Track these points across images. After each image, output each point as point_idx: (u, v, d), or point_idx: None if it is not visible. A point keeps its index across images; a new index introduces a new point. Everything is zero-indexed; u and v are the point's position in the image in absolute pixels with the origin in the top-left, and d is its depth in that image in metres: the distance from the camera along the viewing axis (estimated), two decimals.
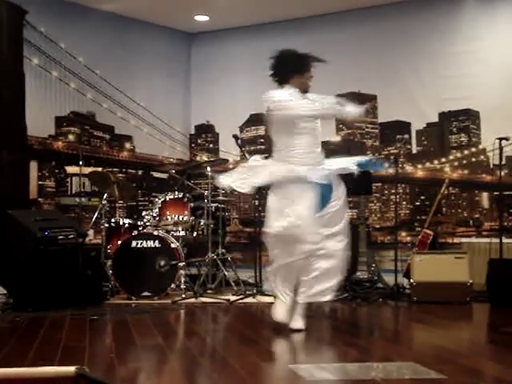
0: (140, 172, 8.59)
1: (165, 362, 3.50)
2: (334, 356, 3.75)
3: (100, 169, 7.57)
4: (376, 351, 3.82)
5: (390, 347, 3.92)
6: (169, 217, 6.13)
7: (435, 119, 7.67)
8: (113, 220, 6.35)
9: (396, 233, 6.65)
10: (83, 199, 7.47)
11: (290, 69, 4.32)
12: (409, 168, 7.74)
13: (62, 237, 5.31)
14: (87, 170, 7.02)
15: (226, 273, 6.24)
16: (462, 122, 7.54)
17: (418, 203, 7.74)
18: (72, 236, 5.41)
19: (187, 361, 3.52)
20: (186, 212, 6.14)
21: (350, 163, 4.35)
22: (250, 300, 5.69)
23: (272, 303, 5.55)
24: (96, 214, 6.23)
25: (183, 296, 5.66)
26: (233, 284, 6.13)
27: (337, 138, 8.02)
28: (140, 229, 6.17)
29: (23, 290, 5.10)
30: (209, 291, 6.01)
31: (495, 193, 7.03)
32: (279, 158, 4.29)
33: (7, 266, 5.25)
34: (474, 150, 7.44)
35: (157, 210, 6.15)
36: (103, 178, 6.49)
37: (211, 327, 4.89)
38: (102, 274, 5.77)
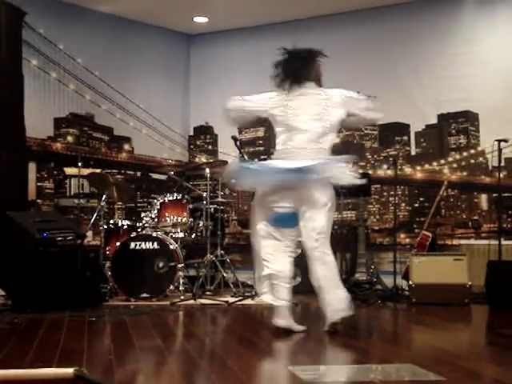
0: (139, 173, 8.58)
1: (163, 363, 3.49)
2: (333, 358, 3.75)
3: (99, 170, 7.56)
4: (375, 353, 3.82)
5: (388, 349, 3.92)
6: (167, 218, 6.12)
7: (434, 121, 7.67)
8: (111, 221, 6.35)
9: (395, 234, 6.65)
10: (82, 200, 7.46)
11: (303, 62, 4.28)
12: (408, 170, 7.74)
13: (60, 238, 5.30)
14: (86, 171, 7.01)
15: (224, 274, 6.23)
16: (461, 123, 7.54)
17: (416, 205, 7.74)
18: (71, 237, 5.40)
19: (186, 362, 3.52)
20: (185, 213, 6.14)
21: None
22: (248, 302, 5.69)
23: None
24: (95, 216, 6.22)
25: (182, 297, 5.66)
26: (231, 286, 6.13)
27: (335, 140, 8.01)
28: (139, 230, 6.17)
29: (22, 292, 5.09)
30: (207, 293, 6.01)
31: (494, 195, 7.03)
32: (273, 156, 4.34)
33: (6, 268, 5.24)
34: (472, 151, 7.45)
35: (155, 211, 6.15)
36: (102, 179, 6.49)
37: (210, 329, 4.89)
38: (101, 276, 5.77)
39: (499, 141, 6.03)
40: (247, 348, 3.82)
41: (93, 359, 3.50)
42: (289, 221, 4.17)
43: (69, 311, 4.98)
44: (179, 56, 8.96)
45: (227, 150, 8.25)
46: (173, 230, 6.11)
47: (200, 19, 8.40)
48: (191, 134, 9.04)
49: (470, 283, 5.57)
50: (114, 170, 8.15)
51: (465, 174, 7.48)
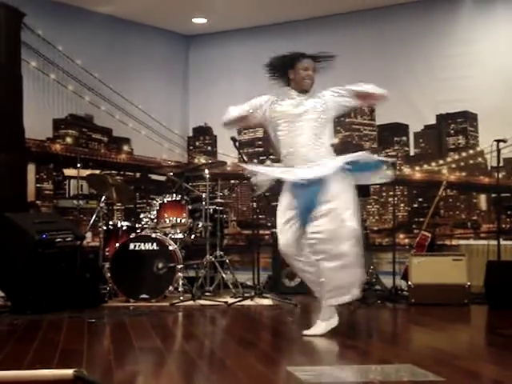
0: (138, 174, 8.58)
1: (163, 364, 3.50)
2: (332, 358, 3.75)
3: (98, 171, 7.55)
4: (374, 353, 3.82)
5: (388, 349, 3.92)
6: (167, 219, 6.13)
7: (433, 121, 7.67)
8: (111, 222, 6.35)
9: (394, 235, 6.66)
10: (81, 202, 7.46)
11: (281, 67, 4.32)
12: (407, 170, 7.74)
13: (59, 239, 5.30)
14: (85, 172, 7.01)
15: (224, 275, 6.24)
16: (460, 124, 7.55)
17: (415, 205, 7.74)
18: (70, 239, 5.40)
19: (185, 363, 3.52)
20: (184, 214, 6.14)
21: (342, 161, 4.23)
22: (248, 302, 5.69)
23: (271, 305, 5.57)
24: (94, 217, 6.22)
25: (181, 298, 5.66)
26: (231, 286, 6.13)
27: (334, 141, 8.02)
28: (138, 231, 6.17)
29: (21, 293, 5.09)
30: (207, 294, 6.01)
31: (493, 195, 7.03)
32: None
33: (5, 269, 5.24)
34: (471, 152, 7.45)
35: (155, 212, 6.15)
36: (101, 180, 6.49)
37: (209, 330, 4.89)
38: (100, 277, 5.77)
39: (498, 141, 6.04)
40: (246, 349, 3.83)
41: (92, 360, 3.50)
42: None
43: (68, 312, 4.98)
44: (178, 57, 8.96)
45: (226, 151, 8.25)
46: (172, 231, 6.11)
47: (199, 20, 8.40)
48: (190, 134, 9.04)
49: (469, 283, 5.58)
50: (113, 171, 8.14)
51: (464, 174, 7.48)
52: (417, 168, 7.71)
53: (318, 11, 7.92)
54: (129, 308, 5.46)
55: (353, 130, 8.06)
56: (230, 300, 5.70)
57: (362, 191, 6.35)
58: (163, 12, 8.02)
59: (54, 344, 3.81)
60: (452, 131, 7.60)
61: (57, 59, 7.60)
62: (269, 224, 7.30)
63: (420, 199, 7.73)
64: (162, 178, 8.08)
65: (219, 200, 6.72)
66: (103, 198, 6.23)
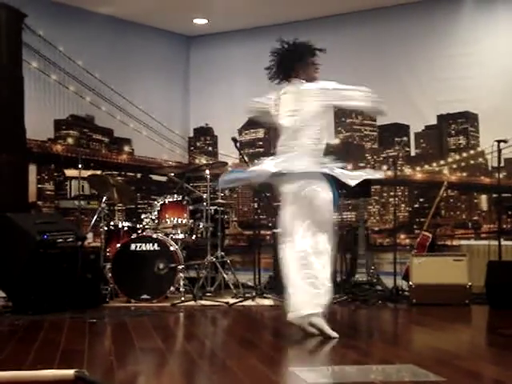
0: (139, 175, 8.58)
1: (164, 364, 3.50)
2: (334, 358, 3.76)
3: (99, 172, 7.57)
4: (375, 353, 3.82)
5: (389, 349, 3.93)
6: (168, 220, 6.13)
7: (434, 122, 7.67)
8: (112, 223, 6.35)
9: (395, 235, 6.66)
10: (82, 202, 7.47)
11: (291, 59, 4.29)
12: (407, 170, 7.74)
13: (61, 240, 5.31)
14: (86, 173, 7.02)
15: (225, 276, 6.24)
16: (461, 124, 7.55)
17: (416, 206, 7.74)
18: (71, 239, 5.41)
19: (186, 364, 3.53)
20: (185, 215, 6.14)
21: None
22: (249, 303, 5.70)
23: (272, 306, 5.58)
24: (95, 217, 6.23)
25: (182, 299, 5.66)
26: (232, 287, 6.13)
27: (335, 141, 8.03)
28: (139, 232, 6.18)
29: (22, 293, 5.10)
30: (208, 294, 6.01)
31: (494, 195, 7.03)
32: None
33: (6, 270, 5.25)
34: (472, 152, 7.45)
35: (156, 212, 6.15)
36: (102, 181, 6.49)
37: (210, 330, 4.89)
38: (101, 277, 5.77)
39: (499, 141, 6.04)
40: (248, 349, 3.83)
41: (93, 360, 3.50)
42: None
43: (69, 313, 4.98)
44: (179, 57, 8.97)
45: (227, 152, 8.26)
46: (173, 232, 6.11)
47: (200, 21, 8.41)
48: (191, 135, 9.05)
49: (470, 284, 5.58)
50: (114, 172, 8.15)
51: (464, 174, 7.48)
52: (418, 168, 7.71)
53: (319, 12, 7.93)
54: (130, 308, 5.46)
55: (354, 131, 8.07)
56: (231, 300, 5.70)
57: (363, 191, 6.36)
58: (164, 13, 8.02)
59: (55, 344, 3.81)
60: (453, 131, 7.61)
61: (58, 60, 7.61)
62: (270, 224, 7.30)
63: (421, 199, 7.74)
64: (163, 179, 8.09)
65: (220, 200, 6.72)
66: (104, 198, 6.24)
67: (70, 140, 7.85)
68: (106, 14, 7.98)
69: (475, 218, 7.39)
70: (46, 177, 7.68)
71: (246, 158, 6.40)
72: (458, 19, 7.45)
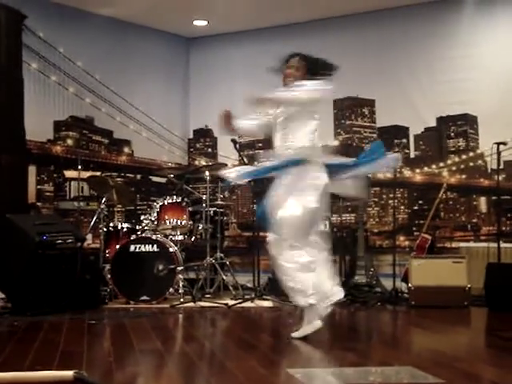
0: (138, 176, 8.58)
1: (163, 366, 3.50)
2: (333, 360, 3.75)
3: (98, 173, 7.56)
4: (374, 355, 3.82)
5: (388, 351, 3.93)
6: (167, 221, 6.13)
7: (433, 124, 7.68)
8: (111, 224, 6.35)
9: (394, 237, 6.66)
10: (82, 203, 7.47)
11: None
12: (407, 172, 7.75)
13: (60, 241, 5.31)
14: (86, 174, 7.02)
15: (224, 277, 6.24)
16: (460, 126, 7.55)
17: (416, 208, 7.74)
18: (70, 240, 5.41)
19: (185, 365, 3.53)
20: (185, 216, 6.15)
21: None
22: (248, 304, 5.70)
23: (271, 307, 5.57)
24: (94, 219, 6.23)
25: (181, 300, 5.66)
26: (231, 288, 6.13)
27: (334, 143, 8.04)
28: (138, 233, 6.18)
29: (21, 294, 5.10)
30: (207, 295, 6.01)
31: (493, 197, 7.03)
32: None
33: (5, 270, 5.25)
34: (471, 154, 7.45)
35: (155, 214, 6.16)
36: (102, 182, 6.50)
37: (209, 331, 4.89)
38: (101, 279, 5.77)
39: (498, 143, 6.04)
40: (247, 351, 3.83)
41: (92, 362, 3.50)
42: None
43: (68, 314, 4.98)
44: (179, 59, 8.97)
45: (227, 153, 8.25)
46: (172, 233, 6.11)
47: (200, 22, 8.41)
48: (191, 136, 9.05)
49: (469, 286, 5.58)
50: (113, 173, 8.15)
51: (464, 176, 7.48)
52: (417, 170, 7.71)
53: (319, 14, 7.93)
54: (129, 310, 5.46)
55: (353, 133, 8.07)
56: (231, 302, 5.70)
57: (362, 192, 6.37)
58: (164, 14, 8.03)
59: (55, 345, 3.81)
60: (452, 134, 7.61)
61: (58, 61, 7.61)
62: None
63: (420, 201, 7.74)
64: (163, 180, 8.08)
65: (219, 202, 6.72)
66: (104, 199, 6.24)
67: (69, 141, 7.85)
68: (106, 16, 7.98)
69: (474, 220, 7.39)
70: (46, 178, 7.68)
71: (245, 160, 6.40)
72: (458, 22, 7.45)
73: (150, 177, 8.49)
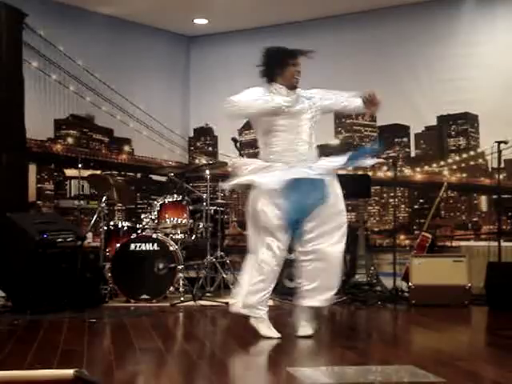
0: (139, 175, 8.59)
1: (163, 365, 3.50)
2: (333, 359, 3.75)
3: (99, 172, 7.56)
4: (375, 354, 3.82)
5: (388, 350, 3.92)
6: (167, 220, 6.13)
7: (434, 122, 7.68)
8: (111, 223, 6.35)
9: (394, 236, 6.66)
10: (82, 202, 7.46)
11: (271, 65, 4.24)
12: (407, 171, 7.75)
13: (60, 240, 5.31)
14: (86, 172, 7.02)
15: (224, 276, 6.23)
16: (461, 125, 7.55)
17: (416, 206, 7.75)
18: (71, 239, 5.41)
19: (186, 364, 3.52)
20: (185, 215, 6.14)
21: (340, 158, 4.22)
22: None
23: (271, 306, 5.56)
24: (95, 217, 6.23)
25: (182, 299, 5.66)
26: (231, 287, 6.12)
27: (335, 141, 8.04)
28: (139, 232, 6.17)
29: (22, 293, 5.10)
30: (207, 294, 6.01)
31: (494, 196, 7.03)
32: (261, 157, 4.27)
33: (6, 269, 5.25)
34: (472, 153, 7.45)
35: (155, 212, 6.15)
36: (102, 180, 6.49)
37: (210, 330, 4.89)
38: (101, 277, 5.77)
39: (499, 142, 6.04)
40: (247, 349, 3.82)
41: (93, 360, 3.50)
42: None
43: (69, 312, 4.98)
44: (179, 58, 8.97)
45: (227, 152, 8.25)
46: (173, 232, 6.11)
47: (200, 21, 8.41)
48: (191, 135, 9.05)
49: (469, 285, 5.57)
50: (114, 172, 8.15)
51: (464, 175, 7.48)
52: (417, 169, 7.71)
53: (319, 12, 7.93)
54: (129, 308, 5.46)
55: (354, 131, 8.07)
56: (231, 301, 5.69)
57: (363, 192, 6.37)
58: (164, 13, 8.02)
59: (55, 344, 3.81)
60: (453, 132, 7.61)
61: (58, 59, 7.61)
62: None
63: (421, 200, 7.74)
64: (163, 179, 8.08)
65: (220, 201, 6.72)
66: (104, 198, 6.24)
67: (69, 140, 7.85)
68: (106, 14, 7.98)
69: (475, 219, 7.40)
70: (46, 176, 7.69)
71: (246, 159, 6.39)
72: (458, 20, 7.45)
73: (151, 175, 8.49)
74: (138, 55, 8.45)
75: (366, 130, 8.05)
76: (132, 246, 5.82)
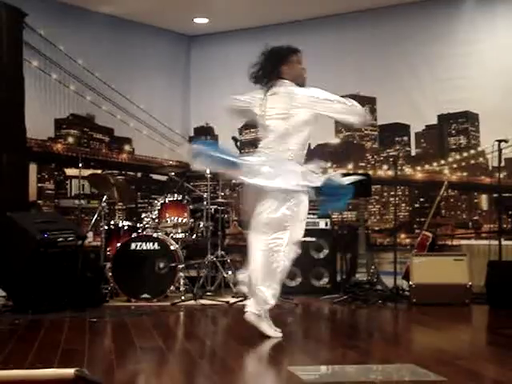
0: (139, 174, 8.59)
1: (164, 364, 3.50)
2: (334, 358, 3.75)
3: (99, 171, 7.56)
4: (375, 353, 3.82)
5: (389, 349, 3.92)
6: (168, 219, 6.13)
7: (434, 121, 7.68)
8: (112, 222, 6.35)
9: (395, 235, 6.65)
10: (82, 201, 7.46)
11: (275, 61, 4.28)
12: (408, 170, 7.75)
13: (61, 239, 5.31)
14: (86, 172, 7.02)
15: (225, 275, 6.23)
16: (461, 124, 7.55)
17: (417, 205, 7.75)
18: (71, 238, 5.41)
19: (186, 363, 3.53)
20: (186, 214, 6.14)
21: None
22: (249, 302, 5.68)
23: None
24: (95, 217, 6.23)
25: (182, 298, 5.66)
26: (232, 286, 6.13)
27: (336, 140, 8.03)
28: (139, 231, 6.17)
29: (23, 292, 5.09)
30: (208, 293, 6.01)
31: (494, 195, 7.03)
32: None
33: (7, 268, 5.25)
34: (472, 152, 7.45)
35: (156, 212, 6.15)
36: (102, 180, 6.49)
37: (210, 329, 4.89)
38: (102, 276, 5.77)
39: (499, 141, 6.03)
40: (248, 348, 3.83)
41: (94, 360, 3.51)
42: None
43: (69, 312, 4.98)
44: (180, 57, 8.97)
45: None
46: (173, 231, 6.11)
47: (200, 20, 8.41)
48: (192, 134, 9.05)
49: (470, 283, 5.57)
50: (114, 171, 8.15)
51: (465, 174, 7.48)
52: (418, 168, 7.71)
53: (320, 11, 7.92)
54: (130, 308, 5.46)
55: (354, 130, 8.06)
56: (232, 300, 5.70)
57: (363, 191, 6.36)
58: (165, 12, 8.02)
59: (56, 343, 3.81)
60: (453, 131, 7.61)
61: (58, 59, 7.61)
62: None
63: (421, 199, 7.74)
64: (164, 178, 8.08)
65: (220, 200, 6.72)
66: (105, 197, 6.24)
67: (70, 139, 7.85)
68: (106, 14, 7.98)
69: (475, 217, 7.39)
70: (47, 176, 7.69)
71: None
72: (458, 19, 7.45)
73: (151, 175, 8.49)
74: (139, 55, 8.45)
75: (366, 129, 8.05)
76: (133, 246, 5.82)
